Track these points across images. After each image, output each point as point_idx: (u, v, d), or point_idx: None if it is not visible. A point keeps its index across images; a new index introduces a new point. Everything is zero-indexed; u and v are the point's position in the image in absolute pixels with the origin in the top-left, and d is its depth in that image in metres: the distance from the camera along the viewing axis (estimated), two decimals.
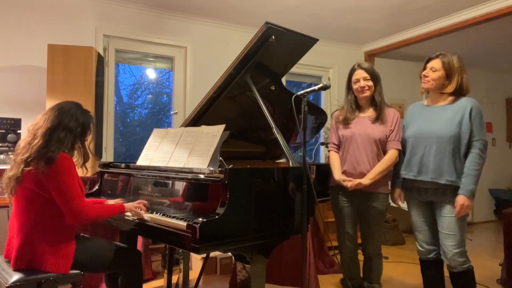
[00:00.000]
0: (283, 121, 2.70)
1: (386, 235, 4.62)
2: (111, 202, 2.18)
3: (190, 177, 1.92)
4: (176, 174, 2.03)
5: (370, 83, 2.47)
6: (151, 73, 4.44)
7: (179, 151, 2.21)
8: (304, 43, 2.40)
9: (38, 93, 3.31)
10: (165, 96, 4.61)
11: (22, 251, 1.80)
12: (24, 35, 3.41)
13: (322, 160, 5.02)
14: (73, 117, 1.92)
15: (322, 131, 4.05)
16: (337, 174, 2.50)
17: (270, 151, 3.04)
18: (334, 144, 2.61)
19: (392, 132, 2.45)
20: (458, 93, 2.32)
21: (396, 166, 2.49)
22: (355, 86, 2.51)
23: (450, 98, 2.34)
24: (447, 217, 2.26)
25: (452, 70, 2.29)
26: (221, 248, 1.77)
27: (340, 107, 2.71)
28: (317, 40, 2.39)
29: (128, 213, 2.03)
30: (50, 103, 2.94)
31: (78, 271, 1.87)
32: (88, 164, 2.08)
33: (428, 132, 2.31)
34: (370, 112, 2.53)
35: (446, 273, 2.41)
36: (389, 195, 2.55)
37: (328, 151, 2.67)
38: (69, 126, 1.89)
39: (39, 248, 1.81)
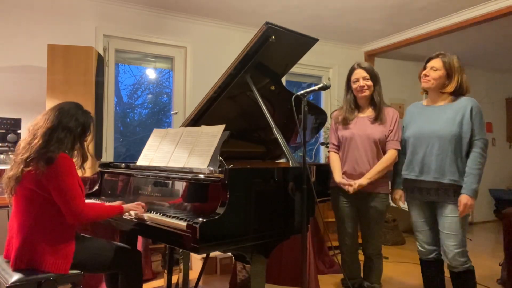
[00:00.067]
0: (283, 121, 2.70)
1: (386, 235, 4.62)
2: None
3: (190, 177, 1.92)
4: (176, 174, 2.03)
5: (370, 82, 2.47)
6: (151, 73, 4.44)
7: (179, 151, 2.21)
8: (304, 43, 2.40)
9: (38, 93, 3.31)
10: (165, 96, 4.61)
11: (21, 251, 1.80)
12: (24, 35, 3.41)
13: (322, 160, 5.02)
14: (73, 117, 1.92)
15: (322, 131, 4.06)
16: (338, 177, 2.50)
17: (270, 151, 3.03)
18: (333, 144, 2.61)
19: (391, 132, 2.45)
20: (458, 92, 2.32)
21: (396, 166, 2.49)
22: (354, 86, 2.50)
23: (450, 97, 2.34)
24: (448, 217, 2.25)
25: (453, 70, 2.29)
26: (221, 248, 1.77)
27: (340, 107, 2.70)
28: (317, 40, 2.39)
29: (129, 212, 2.03)
30: (50, 103, 2.94)
31: (78, 271, 1.87)
32: (87, 165, 2.08)
33: (429, 132, 2.31)
34: (369, 112, 2.53)
35: (446, 273, 2.41)
36: (389, 195, 2.54)
37: (328, 151, 2.67)
38: (69, 126, 1.89)
39: (39, 248, 1.80)
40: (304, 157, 1.94)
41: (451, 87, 2.31)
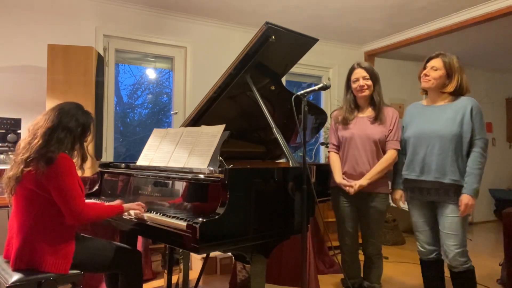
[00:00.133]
0: (283, 121, 2.70)
1: (386, 235, 4.62)
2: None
3: (190, 177, 1.92)
4: (176, 174, 2.03)
5: (369, 82, 2.47)
6: (151, 73, 4.44)
7: (179, 151, 2.21)
8: (304, 43, 2.40)
9: (38, 93, 3.31)
10: (165, 96, 4.61)
11: (21, 251, 1.80)
12: (24, 35, 3.41)
13: (322, 160, 5.02)
14: (73, 117, 1.92)
15: (322, 131, 4.05)
16: (338, 177, 2.50)
17: (270, 151, 3.03)
18: (333, 145, 2.61)
19: (391, 132, 2.45)
20: (458, 92, 2.32)
21: (396, 166, 2.49)
22: (354, 85, 2.50)
23: (450, 97, 2.34)
24: (449, 216, 2.26)
25: (453, 70, 2.30)
26: (221, 248, 1.77)
27: (339, 107, 2.70)
28: (317, 40, 2.39)
29: (129, 213, 2.02)
30: (50, 103, 2.94)
31: (78, 271, 1.87)
32: (87, 165, 2.08)
33: (430, 132, 2.30)
34: (369, 112, 2.52)
35: (447, 273, 2.41)
36: (389, 195, 2.54)
37: (328, 151, 2.67)
38: (69, 127, 1.89)
39: (39, 248, 1.80)
40: (304, 157, 1.94)
41: (451, 87, 2.31)
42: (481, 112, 2.27)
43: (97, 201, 2.35)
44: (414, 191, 2.42)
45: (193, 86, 4.18)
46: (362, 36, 4.91)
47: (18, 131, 2.99)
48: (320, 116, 2.90)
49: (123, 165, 2.53)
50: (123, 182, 2.42)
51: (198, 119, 2.55)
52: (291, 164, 2.11)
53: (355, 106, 2.56)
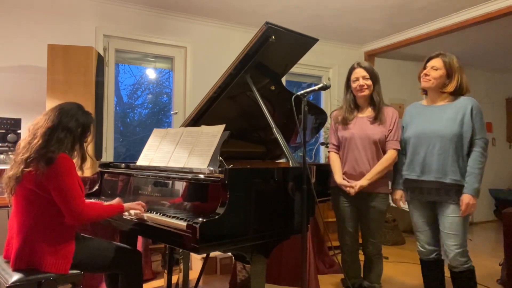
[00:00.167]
0: (283, 121, 2.70)
1: (386, 235, 4.62)
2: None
3: (190, 177, 1.92)
4: (176, 174, 2.03)
5: (369, 82, 2.47)
6: (151, 73, 4.44)
7: (179, 151, 2.21)
8: (304, 43, 2.40)
9: (38, 93, 3.31)
10: (165, 96, 4.61)
11: (21, 251, 1.80)
12: (24, 35, 3.41)
13: (322, 160, 5.02)
14: (73, 117, 1.92)
15: (322, 131, 4.05)
16: (338, 178, 2.50)
17: (270, 151, 3.03)
18: (333, 145, 2.61)
19: (391, 132, 2.45)
20: (458, 92, 2.32)
21: (396, 166, 2.49)
22: (354, 85, 2.50)
23: (450, 97, 2.34)
24: (450, 216, 2.25)
25: (453, 69, 2.30)
26: (221, 248, 1.77)
27: (339, 106, 2.70)
28: (317, 40, 2.39)
29: (129, 212, 2.02)
30: (50, 103, 2.94)
31: (78, 271, 1.87)
32: (87, 165, 2.08)
33: (430, 132, 2.30)
34: (368, 112, 2.52)
35: (447, 273, 2.41)
36: (389, 195, 2.54)
37: (328, 152, 2.67)
38: (69, 127, 1.89)
39: (39, 248, 1.80)
40: (304, 157, 1.94)
41: (451, 87, 2.31)
42: (481, 112, 2.27)
43: (97, 201, 2.35)
44: (415, 191, 2.41)
45: (193, 86, 4.18)
46: (362, 36, 4.91)
47: (18, 131, 2.99)
48: (320, 116, 2.90)
49: (123, 165, 2.53)
50: (123, 182, 2.42)
51: (198, 119, 2.55)
52: (291, 164, 2.11)
53: (355, 106, 2.56)
